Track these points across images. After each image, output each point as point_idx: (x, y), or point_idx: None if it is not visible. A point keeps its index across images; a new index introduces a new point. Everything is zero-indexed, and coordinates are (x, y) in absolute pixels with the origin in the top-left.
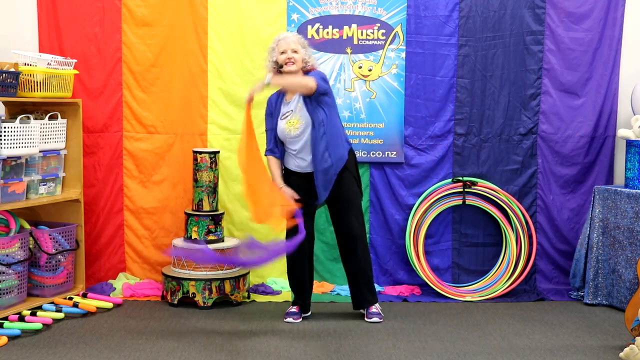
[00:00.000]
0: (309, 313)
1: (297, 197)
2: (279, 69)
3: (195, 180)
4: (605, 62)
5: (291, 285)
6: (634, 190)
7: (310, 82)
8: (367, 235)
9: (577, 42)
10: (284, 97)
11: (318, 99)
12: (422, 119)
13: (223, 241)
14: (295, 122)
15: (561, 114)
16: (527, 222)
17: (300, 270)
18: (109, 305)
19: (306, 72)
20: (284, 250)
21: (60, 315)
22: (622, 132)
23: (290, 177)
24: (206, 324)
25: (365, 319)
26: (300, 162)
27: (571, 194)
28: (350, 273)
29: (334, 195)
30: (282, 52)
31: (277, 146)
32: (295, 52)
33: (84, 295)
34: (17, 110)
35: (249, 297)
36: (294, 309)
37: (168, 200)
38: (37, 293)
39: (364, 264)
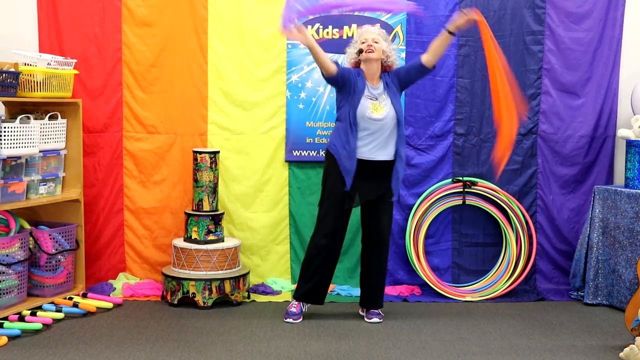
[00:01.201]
0: (307, 308)
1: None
2: (358, 55)
3: (195, 180)
4: (605, 62)
5: (312, 281)
6: (634, 190)
7: (332, 67)
8: None
9: (577, 42)
10: (364, 78)
11: (405, 85)
12: (422, 119)
13: (223, 241)
14: (380, 108)
15: (561, 114)
16: (527, 222)
17: (331, 267)
18: (109, 305)
19: (384, 69)
20: None
21: (60, 315)
22: (622, 132)
23: (356, 167)
24: (206, 324)
25: (365, 319)
26: (367, 149)
27: (571, 194)
28: (370, 272)
29: (376, 194)
30: (363, 42)
31: (339, 67)
32: (376, 42)
33: (84, 295)
34: (17, 110)
35: (249, 297)
36: (294, 309)
37: (168, 200)
38: (37, 293)
39: (384, 266)
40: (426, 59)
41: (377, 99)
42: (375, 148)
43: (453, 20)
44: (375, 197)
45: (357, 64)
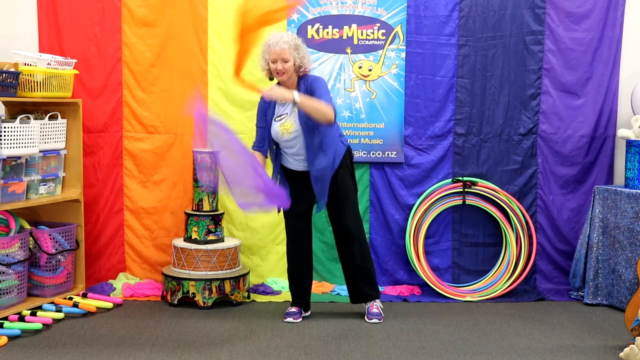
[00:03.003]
0: (309, 313)
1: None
2: (269, 74)
3: (195, 180)
4: (605, 62)
5: (291, 286)
6: (634, 190)
7: (329, 114)
8: (367, 235)
9: (577, 42)
10: None
11: None
12: (422, 119)
13: (223, 241)
14: (289, 126)
15: (561, 114)
16: (527, 222)
17: (302, 270)
18: (109, 305)
19: (300, 77)
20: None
21: (60, 315)
22: (622, 132)
23: (287, 175)
24: (206, 324)
25: (366, 319)
26: (295, 162)
27: (571, 194)
28: (347, 268)
29: (330, 192)
30: (273, 62)
31: (266, 145)
32: (286, 61)
33: (84, 295)
34: (17, 110)
35: (249, 297)
36: (293, 309)
37: (168, 200)
38: (37, 293)
39: (361, 259)
40: None
41: (284, 117)
42: (297, 160)
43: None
44: (311, 205)
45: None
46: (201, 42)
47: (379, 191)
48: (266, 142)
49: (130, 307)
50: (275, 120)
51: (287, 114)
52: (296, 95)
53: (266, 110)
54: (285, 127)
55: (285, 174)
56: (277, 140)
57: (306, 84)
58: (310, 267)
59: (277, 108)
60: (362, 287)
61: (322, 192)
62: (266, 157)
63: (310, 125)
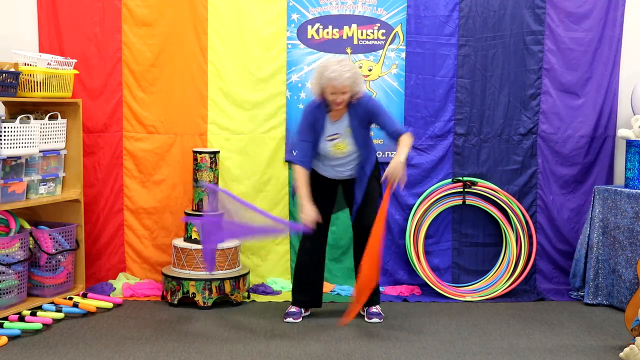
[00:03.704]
0: (309, 312)
1: (320, 221)
2: (325, 99)
3: (195, 180)
4: (605, 62)
5: (298, 282)
6: (634, 190)
7: (411, 141)
8: None
9: (577, 42)
10: (327, 113)
11: (368, 125)
12: (422, 119)
13: (223, 241)
14: (342, 147)
15: (561, 114)
16: (527, 222)
17: (314, 267)
18: (109, 305)
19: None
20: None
21: (60, 315)
22: (622, 132)
23: (317, 179)
24: (206, 324)
25: (366, 319)
26: (332, 171)
27: (571, 194)
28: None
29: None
30: (332, 94)
31: (309, 158)
32: (345, 93)
33: (84, 295)
34: (17, 110)
35: (249, 297)
36: (294, 309)
37: (168, 200)
38: (37, 293)
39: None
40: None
41: (337, 138)
42: (336, 171)
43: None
44: (331, 209)
45: (321, 94)
46: (201, 42)
47: None
48: (309, 156)
49: (130, 307)
50: (326, 140)
51: (340, 134)
52: (403, 157)
53: (314, 125)
54: (339, 147)
55: (315, 179)
56: (325, 155)
57: (361, 107)
58: (323, 264)
59: (328, 126)
60: (372, 292)
61: (362, 192)
62: (309, 170)
63: (365, 143)
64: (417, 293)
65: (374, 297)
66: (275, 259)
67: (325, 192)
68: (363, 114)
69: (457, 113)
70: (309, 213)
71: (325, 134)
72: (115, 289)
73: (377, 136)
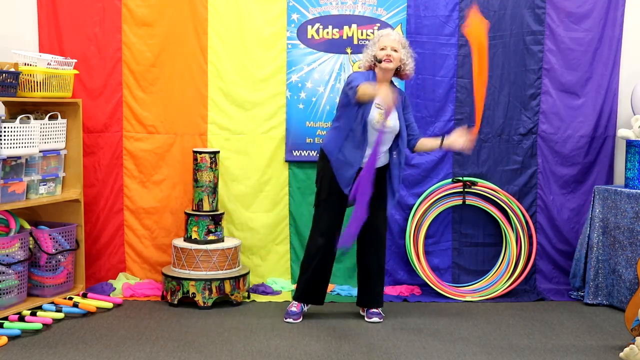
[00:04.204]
0: (307, 308)
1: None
2: (376, 62)
3: (195, 180)
4: (605, 62)
5: (307, 278)
6: (634, 190)
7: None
8: None
9: (577, 42)
10: (374, 82)
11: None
12: (422, 119)
13: (223, 241)
14: (388, 122)
15: (561, 114)
16: (527, 222)
17: (326, 263)
18: (109, 305)
19: (399, 76)
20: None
21: (60, 315)
22: (622, 132)
23: (334, 179)
24: (206, 324)
25: (366, 319)
26: (361, 158)
27: (571, 194)
28: (369, 272)
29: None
30: (382, 49)
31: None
32: (395, 50)
33: (84, 295)
34: (17, 110)
35: (249, 297)
36: (294, 309)
37: (168, 200)
38: (37, 293)
39: (383, 265)
40: (415, 147)
41: (381, 108)
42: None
43: (451, 141)
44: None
45: (371, 67)
46: (201, 42)
47: None
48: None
49: (130, 307)
50: (375, 105)
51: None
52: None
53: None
54: (382, 117)
55: (330, 175)
56: (370, 125)
57: (402, 94)
58: (332, 263)
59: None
60: (375, 294)
61: (396, 183)
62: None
63: (403, 129)
64: (417, 293)
65: (378, 299)
66: (275, 259)
67: (340, 191)
68: (401, 101)
69: (457, 113)
70: (386, 92)
71: (375, 101)
72: (115, 289)
73: None
